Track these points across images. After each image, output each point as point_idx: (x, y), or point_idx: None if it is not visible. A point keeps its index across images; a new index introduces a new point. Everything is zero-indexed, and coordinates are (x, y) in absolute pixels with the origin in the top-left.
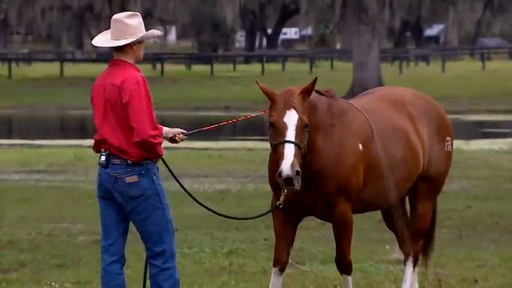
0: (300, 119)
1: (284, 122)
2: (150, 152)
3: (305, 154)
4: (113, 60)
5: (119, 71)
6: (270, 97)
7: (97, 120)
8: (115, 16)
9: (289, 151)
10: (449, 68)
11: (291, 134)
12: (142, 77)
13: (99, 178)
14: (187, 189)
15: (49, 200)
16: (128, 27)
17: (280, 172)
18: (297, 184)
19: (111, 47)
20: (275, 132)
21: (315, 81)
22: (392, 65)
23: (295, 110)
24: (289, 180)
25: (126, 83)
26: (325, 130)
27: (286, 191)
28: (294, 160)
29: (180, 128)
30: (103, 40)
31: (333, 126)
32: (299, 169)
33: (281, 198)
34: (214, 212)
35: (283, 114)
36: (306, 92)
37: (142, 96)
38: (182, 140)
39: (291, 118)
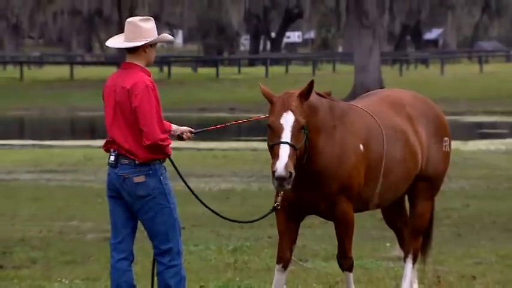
0: (296, 121)
1: (281, 124)
2: (159, 154)
3: (301, 155)
4: (124, 63)
5: (130, 74)
6: (269, 99)
7: (107, 121)
8: (130, 19)
9: (284, 152)
10: (447, 70)
11: (286, 136)
12: (151, 82)
13: (108, 178)
14: (193, 189)
15: (59, 199)
16: (142, 30)
17: (274, 171)
18: (288, 185)
19: (125, 49)
20: (272, 134)
21: (311, 83)
22: (393, 68)
23: (292, 112)
24: (281, 180)
25: (135, 87)
26: (326, 131)
27: (282, 192)
28: (288, 161)
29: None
30: (117, 42)
31: (334, 128)
32: (293, 171)
33: (278, 199)
34: (218, 215)
35: (280, 116)
36: (304, 95)
37: (152, 101)
38: (189, 138)
39: (288, 120)
